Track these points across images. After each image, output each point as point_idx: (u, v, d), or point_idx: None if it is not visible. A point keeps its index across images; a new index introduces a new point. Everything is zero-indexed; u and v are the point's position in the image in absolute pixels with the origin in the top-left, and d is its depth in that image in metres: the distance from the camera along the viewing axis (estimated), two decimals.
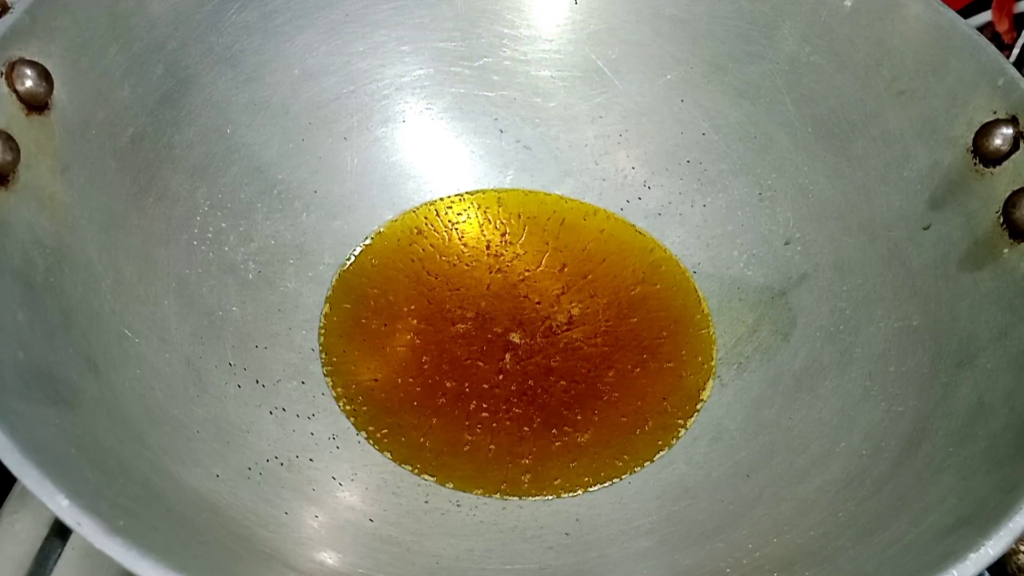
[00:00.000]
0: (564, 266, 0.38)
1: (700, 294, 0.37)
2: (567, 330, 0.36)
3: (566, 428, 0.33)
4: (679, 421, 0.33)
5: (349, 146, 0.38)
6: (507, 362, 0.35)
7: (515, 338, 0.35)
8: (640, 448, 0.32)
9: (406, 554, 0.27)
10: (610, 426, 0.33)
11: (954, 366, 0.28)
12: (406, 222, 0.39)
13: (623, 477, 0.31)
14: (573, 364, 0.35)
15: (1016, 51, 0.47)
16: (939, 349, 0.29)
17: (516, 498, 0.31)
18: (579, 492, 0.31)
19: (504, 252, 0.39)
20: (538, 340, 0.35)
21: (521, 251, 0.39)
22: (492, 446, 0.32)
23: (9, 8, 0.27)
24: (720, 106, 0.38)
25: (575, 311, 0.37)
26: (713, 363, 0.35)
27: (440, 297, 0.37)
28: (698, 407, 0.33)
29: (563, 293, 0.37)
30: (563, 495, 0.31)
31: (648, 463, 0.32)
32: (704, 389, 0.34)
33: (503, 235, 0.39)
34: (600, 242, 0.39)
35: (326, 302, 0.35)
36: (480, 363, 0.34)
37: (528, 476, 0.31)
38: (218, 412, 0.29)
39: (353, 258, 0.37)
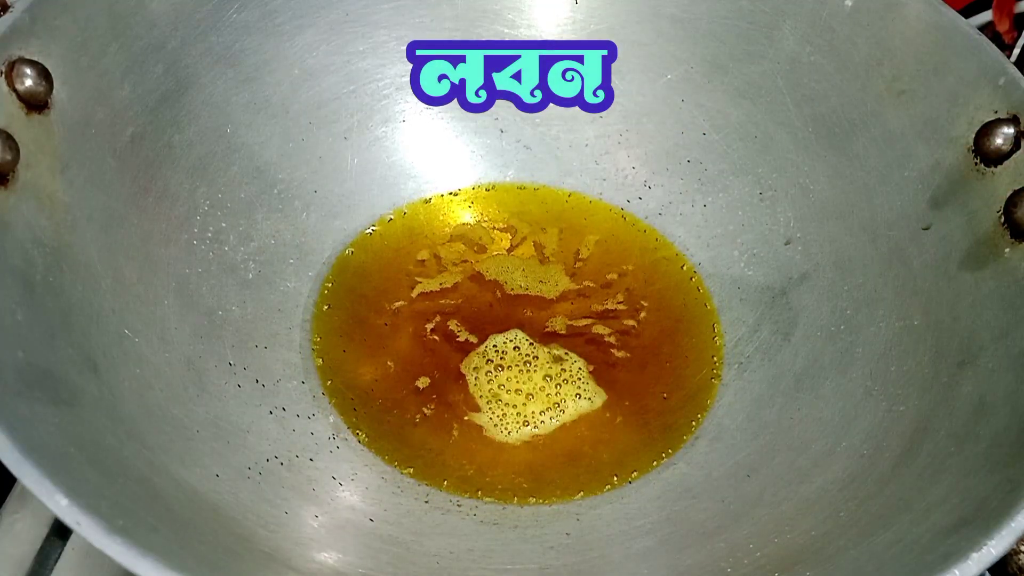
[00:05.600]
0: (564, 265, 0.38)
1: (702, 293, 0.37)
2: (568, 330, 0.36)
3: (567, 428, 0.33)
4: (680, 421, 0.33)
5: (349, 146, 0.38)
6: (508, 362, 0.34)
7: (515, 337, 0.35)
8: (641, 448, 0.32)
9: (406, 554, 0.27)
10: (612, 426, 0.33)
11: (955, 366, 0.28)
12: (406, 221, 0.39)
13: (624, 478, 0.31)
14: (574, 363, 0.35)
15: (1017, 51, 0.47)
16: (940, 349, 0.29)
17: (517, 498, 0.31)
18: (580, 493, 0.31)
19: (504, 251, 0.39)
20: (539, 340, 0.35)
21: (521, 250, 0.39)
22: (493, 446, 0.32)
23: (9, 7, 0.27)
24: (720, 106, 0.38)
25: (576, 311, 0.37)
26: (714, 363, 0.35)
27: (441, 296, 0.37)
28: (699, 406, 0.33)
29: (563, 292, 0.37)
30: (564, 496, 0.31)
31: (649, 464, 0.32)
32: (705, 389, 0.34)
33: (504, 234, 0.39)
34: (601, 241, 0.39)
35: (326, 301, 0.35)
36: (480, 363, 0.34)
37: (529, 476, 0.31)
38: (218, 412, 0.29)
39: (353, 257, 0.37)
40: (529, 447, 0.32)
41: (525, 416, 0.33)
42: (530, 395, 0.33)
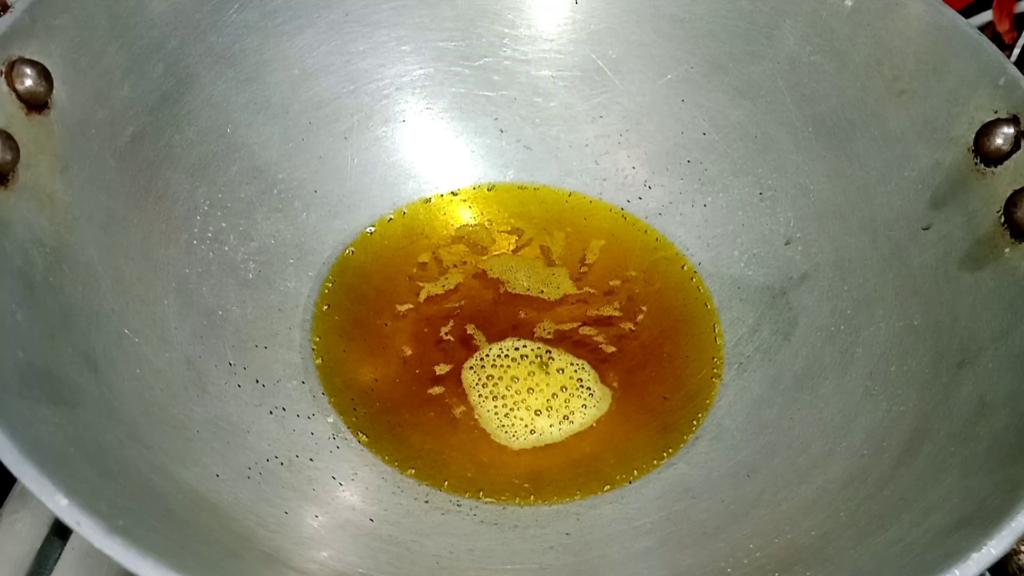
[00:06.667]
0: (564, 266, 0.38)
1: (702, 293, 0.37)
2: (567, 330, 0.36)
3: (567, 429, 0.33)
4: (680, 421, 0.33)
5: (349, 146, 0.38)
6: (508, 363, 0.34)
7: (515, 339, 0.35)
8: (641, 448, 0.32)
9: (406, 554, 0.27)
10: (611, 426, 0.33)
11: (955, 366, 0.28)
12: (406, 221, 0.39)
13: (624, 478, 0.31)
14: (573, 364, 0.35)
15: (1017, 51, 0.47)
16: (940, 349, 0.29)
17: (517, 499, 0.31)
18: (580, 493, 0.31)
19: (504, 252, 0.39)
20: (542, 343, 0.35)
21: (522, 251, 0.39)
22: (493, 447, 0.32)
23: (9, 7, 0.27)
24: (720, 106, 0.38)
25: (575, 311, 0.37)
26: (714, 363, 0.35)
27: (441, 297, 0.37)
28: (699, 407, 0.33)
29: (563, 293, 0.37)
30: (564, 496, 0.31)
31: (649, 464, 0.32)
32: (705, 389, 0.34)
33: (504, 234, 0.39)
34: (601, 241, 0.39)
35: (326, 301, 0.35)
36: (480, 363, 0.34)
37: (529, 477, 0.31)
38: (218, 412, 0.29)
39: (353, 257, 0.37)
40: (530, 449, 0.32)
41: (532, 427, 0.33)
42: (538, 411, 0.33)
